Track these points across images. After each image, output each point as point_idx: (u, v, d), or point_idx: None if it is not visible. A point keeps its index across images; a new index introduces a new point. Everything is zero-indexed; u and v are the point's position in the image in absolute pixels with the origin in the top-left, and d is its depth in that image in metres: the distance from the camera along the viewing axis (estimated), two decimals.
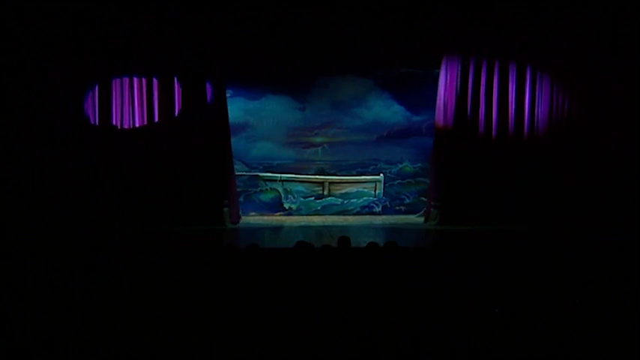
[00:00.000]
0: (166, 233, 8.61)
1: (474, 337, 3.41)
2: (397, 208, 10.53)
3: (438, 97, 9.57)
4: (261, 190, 10.45)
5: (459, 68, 9.27)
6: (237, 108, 10.05)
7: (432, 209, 9.71)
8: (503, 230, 8.59)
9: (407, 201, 10.53)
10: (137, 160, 9.06)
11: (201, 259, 4.93)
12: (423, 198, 10.47)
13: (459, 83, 9.30)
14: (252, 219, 10.23)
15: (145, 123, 9.09)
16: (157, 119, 9.12)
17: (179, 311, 3.71)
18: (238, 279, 4.27)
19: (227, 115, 9.49)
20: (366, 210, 10.56)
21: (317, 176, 10.47)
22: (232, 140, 10.10)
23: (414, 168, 10.48)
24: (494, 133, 9.35)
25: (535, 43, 8.76)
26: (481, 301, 3.86)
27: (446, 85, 9.43)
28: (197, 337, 3.42)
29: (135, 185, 9.04)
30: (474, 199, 9.30)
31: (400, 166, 10.49)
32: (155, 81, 9.08)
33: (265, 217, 10.31)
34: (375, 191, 10.54)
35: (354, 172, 10.49)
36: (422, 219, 10.15)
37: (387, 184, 10.51)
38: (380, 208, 10.54)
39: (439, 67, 9.71)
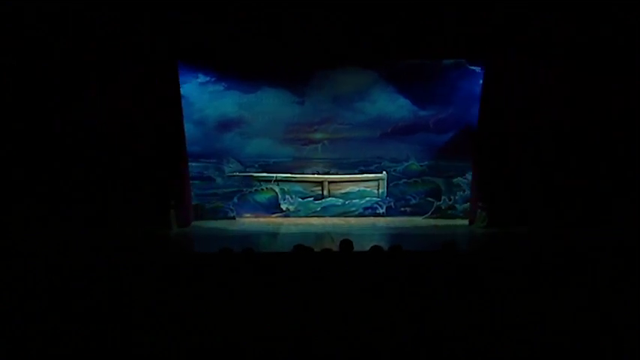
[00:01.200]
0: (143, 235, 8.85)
1: (482, 345, 3.61)
2: (402, 209, 10.73)
3: (482, 92, 9.72)
4: (256, 190, 10.63)
5: (505, 62, 9.34)
6: (230, 102, 10.23)
7: (478, 211, 9.90)
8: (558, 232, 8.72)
9: (413, 202, 10.73)
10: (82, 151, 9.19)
11: (192, 263, 5.06)
12: (430, 198, 10.69)
13: (504, 78, 9.39)
14: (246, 221, 10.44)
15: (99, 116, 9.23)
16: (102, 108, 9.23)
17: (167, 318, 3.90)
18: (232, 285, 4.39)
19: (180, 107, 9.57)
20: (369, 211, 10.77)
21: (316, 175, 10.67)
22: (226, 137, 10.37)
23: (421, 166, 10.65)
24: (543, 128, 9.39)
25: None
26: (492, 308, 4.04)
27: (490, 80, 9.56)
28: (187, 345, 3.63)
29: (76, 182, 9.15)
30: (525, 198, 9.40)
31: (406, 164, 10.67)
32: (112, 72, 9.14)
33: (261, 219, 10.52)
34: (378, 190, 10.74)
35: (357, 171, 10.67)
36: (429, 221, 10.41)
37: (391, 184, 10.70)
38: (384, 210, 10.75)
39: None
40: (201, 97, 10.16)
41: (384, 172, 10.66)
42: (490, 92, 9.54)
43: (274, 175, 10.57)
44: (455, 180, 10.62)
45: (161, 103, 9.32)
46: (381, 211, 10.75)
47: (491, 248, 7.77)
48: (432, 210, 10.66)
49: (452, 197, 10.68)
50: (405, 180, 10.70)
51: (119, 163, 9.25)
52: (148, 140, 9.35)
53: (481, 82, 9.79)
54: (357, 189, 10.73)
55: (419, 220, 10.48)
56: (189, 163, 10.27)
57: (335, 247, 5.61)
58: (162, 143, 9.45)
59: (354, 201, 10.76)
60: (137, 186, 9.34)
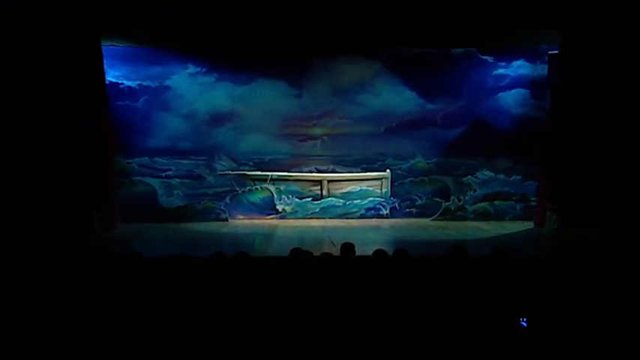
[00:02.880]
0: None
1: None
2: (408, 210, 10.71)
3: (551, 88, 9.70)
4: (250, 190, 10.59)
5: (576, 50, 9.20)
6: (222, 94, 10.21)
7: (548, 213, 9.67)
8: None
9: (419, 202, 10.71)
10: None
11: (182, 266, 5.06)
12: (437, 199, 10.66)
13: (575, 68, 9.26)
14: (240, 223, 10.40)
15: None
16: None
17: (153, 327, 3.91)
18: (225, 291, 4.39)
19: (105, 94, 9.32)
20: (372, 212, 10.73)
21: (314, 174, 10.65)
22: (218, 132, 10.34)
23: (428, 164, 10.64)
24: (618, 122, 9.14)
25: None
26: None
27: (561, 68, 9.47)
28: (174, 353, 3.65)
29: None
30: (600, 198, 9.12)
31: (412, 161, 10.65)
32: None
33: (255, 221, 10.46)
34: (381, 190, 10.72)
35: (359, 169, 10.66)
36: (435, 222, 10.38)
37: (396, 183, 10.67)
38: (387, 211, 10.72)
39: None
40: (191, 89, 10.17)
41: (388, 170, 10.64)
42: (561, 87, 9.51)
43: (269, 173, 10.53)
44: (465, 179, 10.62)
45: (80, 90, 9.06)
46: (384, 212, 10.72)
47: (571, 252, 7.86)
48: (440, 211, 10.65)
49: (461, 197, 10.66)
50: (411, 179, 10.67)
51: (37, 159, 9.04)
52: (65, 132, 9.09)
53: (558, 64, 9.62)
54: (359, 188, 10.71)
55: (426, 222, 10.40)
56: (180, 161, 10.29)
57: (335, 252, 5.59)
58: (81, 135, 9.15)
59: (355, 201, 10.73)
60: (53, 185, 9.05)
